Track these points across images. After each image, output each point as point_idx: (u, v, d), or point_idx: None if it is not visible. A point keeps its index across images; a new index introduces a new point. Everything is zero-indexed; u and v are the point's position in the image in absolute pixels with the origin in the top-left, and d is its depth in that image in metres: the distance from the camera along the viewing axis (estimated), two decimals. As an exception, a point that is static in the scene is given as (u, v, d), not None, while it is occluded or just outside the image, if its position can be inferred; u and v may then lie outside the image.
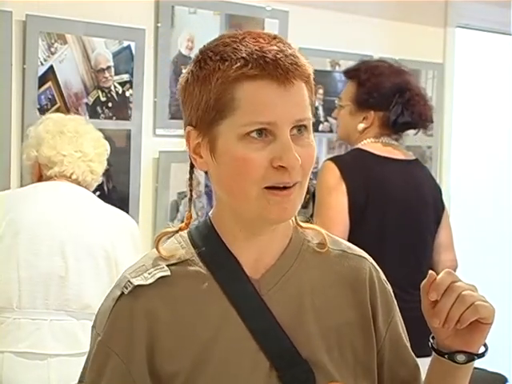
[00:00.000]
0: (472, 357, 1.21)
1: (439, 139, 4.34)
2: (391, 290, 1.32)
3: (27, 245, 2.27)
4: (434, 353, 1.25)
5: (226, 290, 1.17)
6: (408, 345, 1.32)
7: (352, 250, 1.30)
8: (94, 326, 1.21)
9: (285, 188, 1.13)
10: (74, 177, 2.41)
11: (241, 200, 1.14)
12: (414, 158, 2.86)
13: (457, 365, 1.22)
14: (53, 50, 2.86)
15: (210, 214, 1.24)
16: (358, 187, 2.59)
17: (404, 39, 4.07)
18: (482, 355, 1.22)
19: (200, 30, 3.21)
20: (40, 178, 2.46)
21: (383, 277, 1.31)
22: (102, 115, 3.00)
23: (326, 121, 3.80)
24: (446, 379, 1.25)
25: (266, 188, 1.12)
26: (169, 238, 1.24)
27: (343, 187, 2.58)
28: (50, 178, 2.43)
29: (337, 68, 3.80)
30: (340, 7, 3.74)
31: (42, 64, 2.84)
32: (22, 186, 2.77)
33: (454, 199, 4.52)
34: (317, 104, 3.73)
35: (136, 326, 1.14)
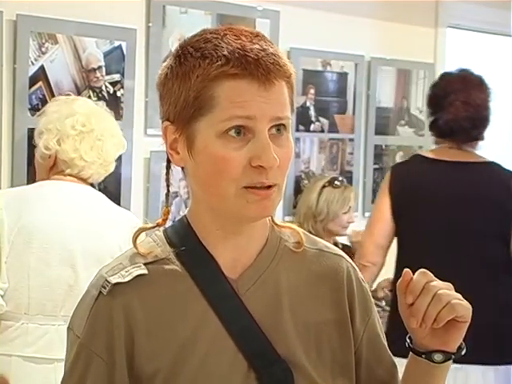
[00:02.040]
0: (449, 356, 1.20)
1: (430, 139, 4.34)
2: (369, 289, 1.31)
3: (39, 254, 2.25)
4: (411, 353, 1.24)
5: (204, 289, 1.16)
6: (385, 344, 1.32)
7: (329, 248, 1.30)
8: (70, 328, 1.19)
9: (264, 188, 1.11)
10: (89, 180, 2.38)
11: (218, 198, 1.13)
12: (482, 160, 2.90)
13: (434, 364, 1.21)
14: (44, 49, 2.85)
15: (186, 212, 1.23)
16: (403, 189, 2.85)
17: (395, 39, 4.08)
18: (459, 354, 1.21)
19: (191, 29, 3.14)
20: (52, 167, 2.39)
21: (360, 275, 1.30)
22: (93, 115, 2.99)
23: (318, 121, 3.80)
24: (423, 379, 1.24)
25: (245, 187, 1.11)
26: (146, 234, 1.22)
27: (388, 190, 2.88)
28: (61, 173, 2.37)
29: (328, 68, 3.80)
30: (331, 7, 3.75)
31: (32, 64, 2.83)
32: (12, 185, 2.77)
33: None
34: (308, 104, 3.73)
35: (116, 326, 1.13)
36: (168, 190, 1.23)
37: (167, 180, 1.23)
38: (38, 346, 2.24)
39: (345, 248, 3.48)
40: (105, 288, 1.15)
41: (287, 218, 3.66)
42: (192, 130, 1.12)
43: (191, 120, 1.12)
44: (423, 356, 1.21)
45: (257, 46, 1.11)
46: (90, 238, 2.29)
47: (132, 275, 1.15)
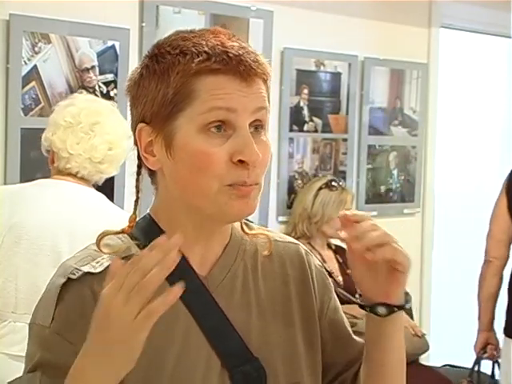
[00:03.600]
0: (392, 308, 1.18)
1: (423, 139, 4.36)
2: (326, 273, 1.32)
3: (27, 254, 2.25)
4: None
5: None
6: (348, 327, 1.31)
7: (283, 238, 1.31)
8: (33, 323, 1.16)
9: (244, 185, 1.11)
10: (79, 175, 2.36)
11: (199, 196, 1.11)
12: None
13: (380, 318, 1.18)
14: (37, 49, 2.84)
15: (149, 211, 1.22)
16: None
17: (388, 39, 4.08)
18: (402, 307, 1.19)
19: (185, 29, 3.20)
20: (52, 162, 2.38)
21: (317, 261, 1.31)
22: (87, 115, 2.99)
23: (311, 121, 3.80)
24: (375, 337, 1.22)
25: (228, 186, 1.10)
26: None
27: (505, 189, 3.24)
28: (61, 172, 2.36)
29: (321, 68, 3.80)
30: (325, 7, 3.75)
31: (25, 63, 2.82)
32: (6, 184, 2.76)
33: (438, 198, 4.54)
34: (301, 104, 3.73)
35: (88, 311, 1.04)
36: (137, 197, 1.21)
37: (137, 186, 1.21)
38: (25, 344, 2.24)
39: (338, 249, 3.48)
40: (74, 274, 1.12)
41: (281, 219, 3.66)
42: (171, 127, 1.11)
43: (170, 117, 1.10)
44: (367, 310, 1.19)
45: (236, 44, 1.11)
46: (80, 240, 2.26)
47: (103, 266, 1.12)
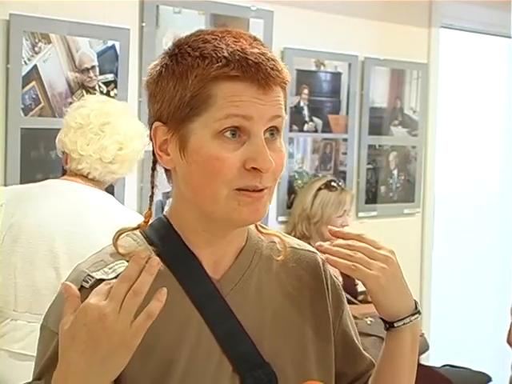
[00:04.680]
0: (386, 324, 1.23)
1: (423, 139, 4.36)
2: (340, 284, 1.32)
3: (24, 253, 2.26)
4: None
5: (188, 290, 1.14)
6: (358, 340, 1.33)
7: (301, 245, 1.30)
8: (44, 326, 1.16)
9: (255, 191, 1.11)
10: (90, 176, 2.36)
11: (209, 200, 1.11)
12: None
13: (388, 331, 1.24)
14: (37, 49, 2.84)
15: (165, 212, 1.22)
16: None
17: (389, 39, 4.08)
18: (390, 325, 1.22)
19: (185, 29, 3.16)
20: (66, 162, 2.39)
21: (332, 271, 1.31)
22: (87, 115, 2.99)
23: (311, 121, 3.80)
24: (384, 350, 1.26)
25: (237, 190, 1.10)
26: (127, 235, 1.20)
27: None
28: (71, 172, 2.37)
29: (322, 68, 3.80)
30: (325, 7, 3.75)
31: (25, 63, 2.82)
32: (6, 185, 2.76)
33: (438, 198, 4.54)
34: (302, 104, 3.73)
35: None
36: (152, 193, 1.21)
37: (152, 182, 1.22)
38: (25, 342, 2.24)
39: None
40: (87, 282, 1.12)
41: (281, 219, 3.66)
42: (186, 130, 1.11)
43: (186, 120, 1.10)
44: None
45: (256, 50, 1.10)
46: (78, 240, 2.26)
47: (116, 272, 1.12)
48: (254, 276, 1.20)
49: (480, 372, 4.08)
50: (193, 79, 1.09)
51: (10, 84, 2.80)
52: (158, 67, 1.14)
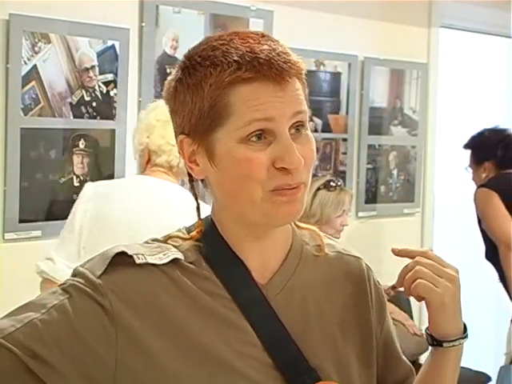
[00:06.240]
0: (434, 341, 1.23)
1: (423, 139, 4.36)
2: (383, 291, 1.31)
3: (106, 243, 2.32)
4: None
5: (234, 294, 1.14)
6: (398, 347, 1.32)
7: (347, 251, 1.29)
8: (80, 267, 1.16)
9: (289, 189, 1.10)
10: (174, 170, 2.44)
11: (245, 203, 1.10)
12: None
13: (431, 348, 1.24)
14: (36, 49, 2.84)
15: (210, 215, 1.20)
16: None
17: (388, 39, 4.08)
18: (439, 344, 1.22)
19: (184, 29, 3.20)
20: (148, 161, 2.48)
21: (376, 277, 1.30)
22: (86, 115, 2.99)
23: (311, 120, 3.80)
24: (428, 365, 1.27)
25: (271, 191, 1.09)
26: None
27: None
28: (156, 165, 2.45)
29: (321, 68, 3.81)
30: (325, 7, 3.75)
31: (25, 63, 2.82)
32: (5, 185, 2.77)
33: (437, 198, 4.54)
34: (301, 104, 3.73)
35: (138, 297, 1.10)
36: (198, 203, 1.20)
37: (194, 194, 1.21)
38: None
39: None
40: (139, 258, 1.11)
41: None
42: (211, 139, 1.10)
43: (209, 131, 1.10)
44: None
45: (266, 47, 1.09)
46: (159, 232, 2.34)
47: (169, 258, 1.12)
48: (299, 281, 1.19)
49: (480, 372, 4.09)
50: (208, 89, 1.08)
51: (9, 84, 2.80)
52: (173, 83, 1.13)
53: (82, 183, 2.96)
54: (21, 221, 2.86)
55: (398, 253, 1.23)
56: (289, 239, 1.21)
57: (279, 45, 1.11)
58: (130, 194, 2.42)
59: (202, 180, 1.18)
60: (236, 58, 1.07)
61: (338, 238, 3.57)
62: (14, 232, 2.86)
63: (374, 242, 3.96)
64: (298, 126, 1.11)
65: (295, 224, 1.24)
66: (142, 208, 2.37)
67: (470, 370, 3.91)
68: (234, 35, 1.11)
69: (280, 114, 1.08)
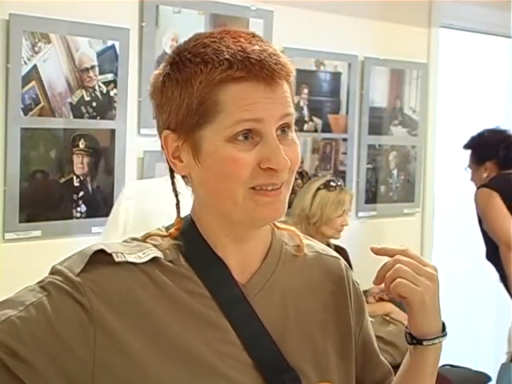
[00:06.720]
0: (414, 339, 1.22)
1: (423, 139, 4.36)
2: (362, 291, 1.32)
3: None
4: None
5: (214, 293, 1.13)
6: (377, 347, 1.33)
7: (326, 251, 1.30)
8: (57, 265, 1.11)
9: (273, 189, 1.10)
10: None
11: (228, 202, 1.10)
12: None
13: (410, 347, 1.24)
14: (36, 49, 2.84)
15: (190, 212, 1.20)
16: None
17: (388, 39, 4.08)
18: (419, 342, 1.22)
19: (185, 29, 3.20)
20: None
21: (354, 277, 1.31)
22: (86, 115, 2.99)
23: (311, 120, 3.80)
24: (407, 367, 1.26)
25: (252, 188, 1.09)
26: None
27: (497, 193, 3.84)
28: None
29: (321, 68, 3.80)
30: (325, 7, 3.75)
31: (25, 63, 2.82)
32: (5, 184, 2.77)
33: (437, 198, 4.54)
34: (302, 104, 3.73)
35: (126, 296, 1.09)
36: (177, 200, 1.20)
37: (174, 190, 1.21)
38: None
39: (338, 249, 3.47)
40: (118, 257, 1.10)
41: (281, 219, 3.65)
42: (198, 136, 1.10)
43: (196, 127, 1.09)
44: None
45: (257, 47, 1.09)
46: None
47: (149, 256, 1.11)
48: (278, 281, 1.19)
49: (480, 372, 4.08)
50: (198, 86, 1.08)
51: (9, 84, 2.80)
52: (161, 77, 1.13)
53: (82, 183, 2.96)
54: (21, 221, 2.86)
55: (377, 251, 1.23)
56: (268, 239, 1.22)
57: (270, 46, 1.12)
58: (165, 193, 2.46)
59: (184, 176, 1.17)
60: (227, 57, 1.07)
61: (338, 238, 3.57)
62: (13, 232, 2.86)
63: (374, 242, 3.93)
64: (284, 128, 1.11)
65: (274, 224, 1.24)
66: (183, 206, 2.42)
67: (470, 370, 3.90)
68: (224, 33, 1.11)
69: (269, 115, 1.08)
